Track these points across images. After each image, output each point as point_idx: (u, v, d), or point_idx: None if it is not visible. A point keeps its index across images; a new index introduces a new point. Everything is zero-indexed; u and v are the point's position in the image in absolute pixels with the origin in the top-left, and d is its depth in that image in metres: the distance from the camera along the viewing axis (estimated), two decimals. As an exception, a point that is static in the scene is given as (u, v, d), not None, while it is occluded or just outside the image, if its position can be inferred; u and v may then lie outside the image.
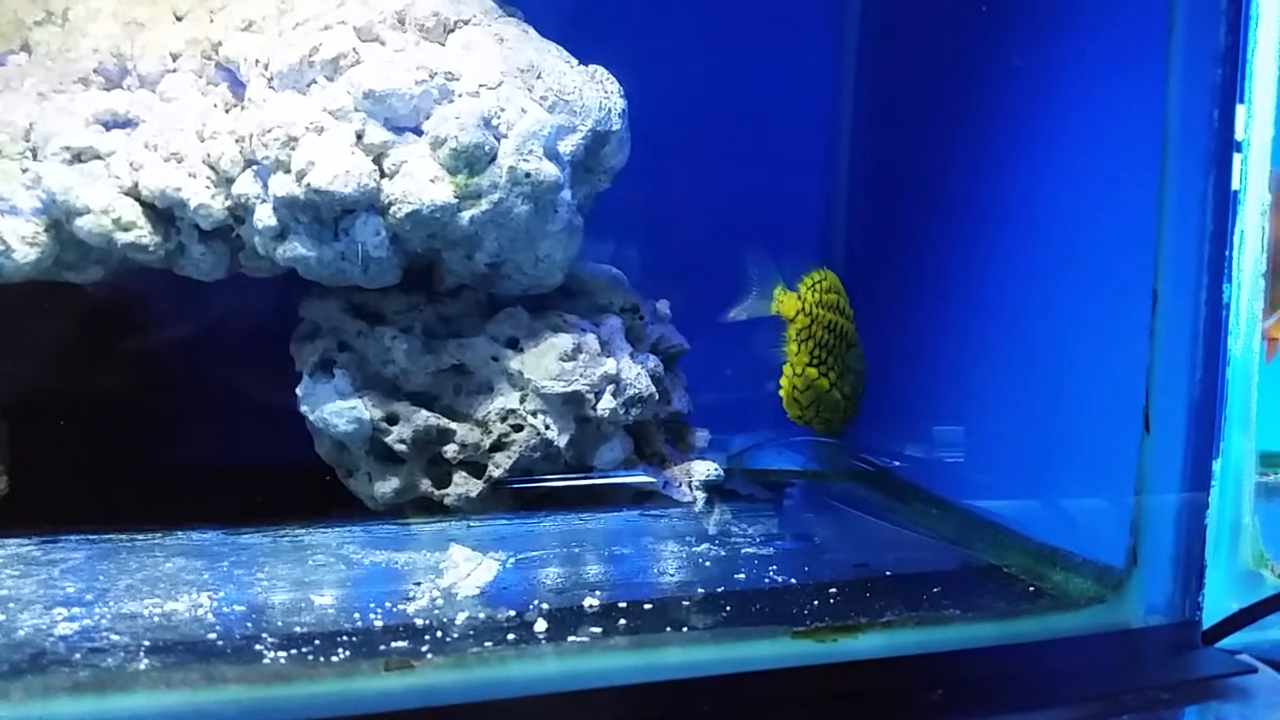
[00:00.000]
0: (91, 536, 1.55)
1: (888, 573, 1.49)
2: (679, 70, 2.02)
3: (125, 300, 1.69)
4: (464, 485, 1.64)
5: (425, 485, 1.64)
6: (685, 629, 1.24)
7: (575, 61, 1.65)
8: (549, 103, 1.57)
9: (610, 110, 1.64)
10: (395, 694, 1.09)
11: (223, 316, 1.72)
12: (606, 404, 1.65)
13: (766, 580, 1.42)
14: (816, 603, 1.33)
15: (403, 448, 1.61)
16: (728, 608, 1.31)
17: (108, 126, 1.52)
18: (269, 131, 1.45)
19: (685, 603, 1.34)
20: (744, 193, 2.12)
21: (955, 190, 1.86)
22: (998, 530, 1.65)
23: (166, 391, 1.81)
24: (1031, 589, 1.45)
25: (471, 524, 1.64)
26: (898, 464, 2.03)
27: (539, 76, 1.57)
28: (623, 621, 1.25)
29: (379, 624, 1.22)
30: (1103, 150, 1.52)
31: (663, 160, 1.85)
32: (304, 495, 1.73)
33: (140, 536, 1.56)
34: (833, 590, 1.38)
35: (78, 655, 1.10)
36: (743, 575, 1.44)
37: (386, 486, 1.63)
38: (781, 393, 1.60)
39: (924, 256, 1.95)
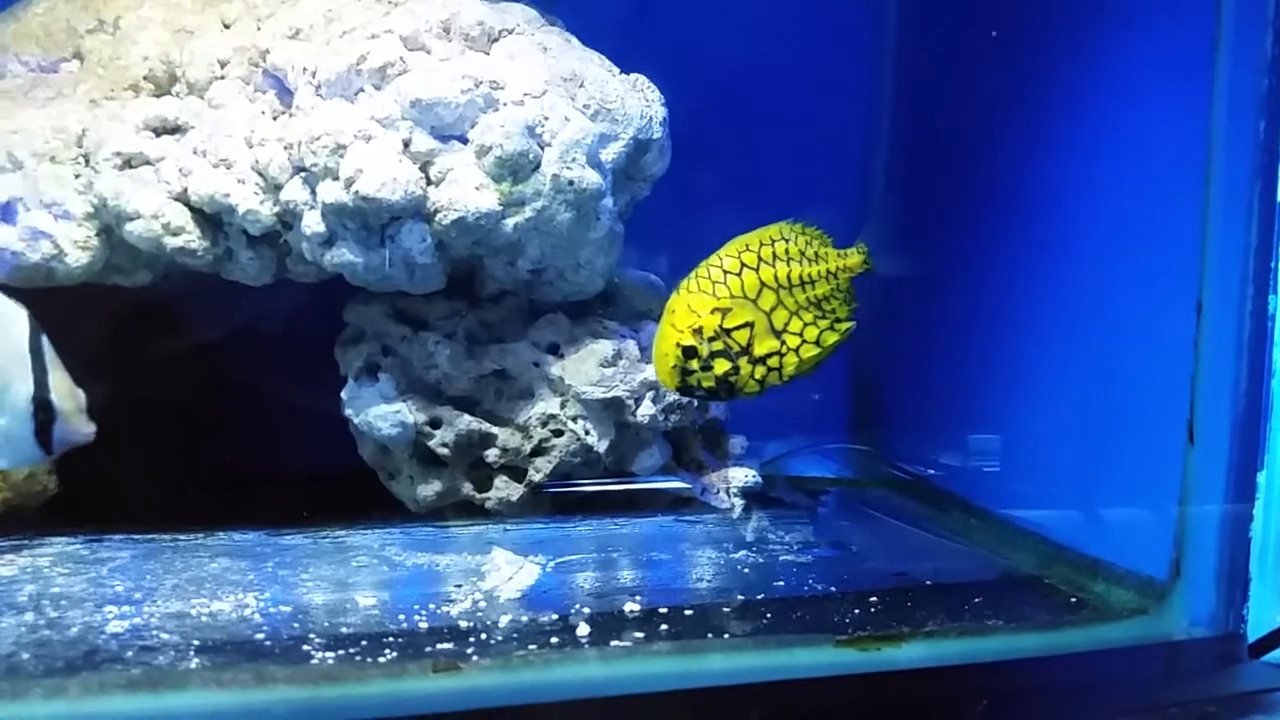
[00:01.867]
0: (136, 536, 1.57)
1: (928, 582, 1.48)
2: (711, 71, 2.01)
3: (171, 303, 1.71)
4: (505, 489, 1.65)
5: (467, 489, 1.66)
6: (727, 635, 1.24)
7: (617, 70, 1.67)
8: (591, 111, 1.58)
9: (651, 119, 1.65)
10: (443, 695, 1.10)
11: (267, 320, 1.74)
12: (646, 410, 1.66)
13: (806, 588, 1.42)
14: (857, 611, 1.33)
15: (445, 451, 1.63)
16: (768, 615, 1.31)
17: (157, 133, 1.54)
18: (317, 139, 1.47)
19: (725, 609, 1.34)
20: (778, 195, 2.13)
21: (996, 197, 1.85)
22: (1038, 540, 1.64)
23: (209, 394, 1.83)
24: (1073, 600, 1.44)
25: (509, 527, 1.66)
26: (932, 472, 2.02)
27: (582, 85, 1.58)
28: (664, 627, 1.25)
29: (424, 625, 1.23)
30: (1147, 159, 1.51)
31: (695, 163, 1.86)
32: (344, 497, 1.76)
33: (183, 537, 1.58)
34: (873, 599, 1.38)
35: (130, 653, 1.12)
36: (782, 583, 1.44)
37: (429, 489, 1.64)
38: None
39: (963, 263, 1.94)
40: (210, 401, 1.85)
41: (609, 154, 1.61)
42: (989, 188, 1.89)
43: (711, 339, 1.51)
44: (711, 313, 1.52)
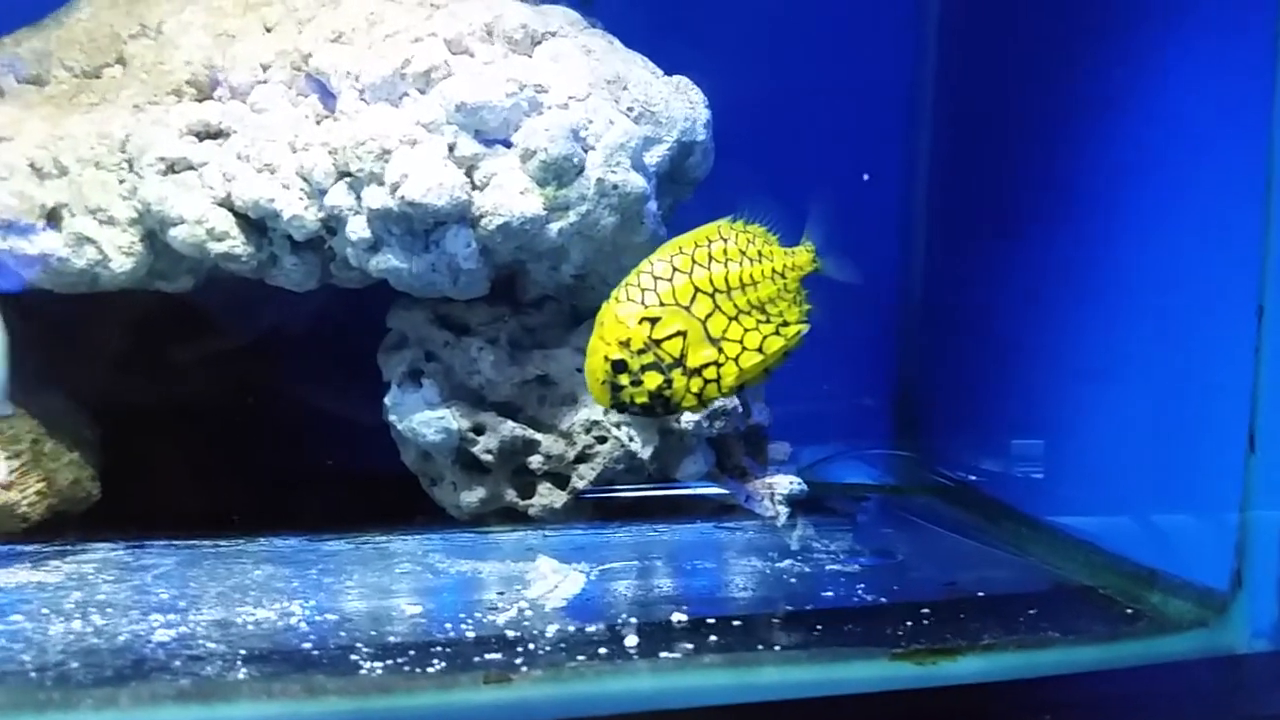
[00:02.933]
0: (177, 542, 1.57)
1: (980, 593, 1.45)
2: (751, 71, 2.00)
3: (212, 309, 1.71)
4: (548, 496, 1.64)
5: (510, 495, 1.65)
6: (777, 648, 1.22)
7: (660, 72, 1.65)
8: (635, 114, 1.57)
9: (695, 121, 1.63)
10: (493, 707, 1.09)
11: (307, 325, 1.73)
12: (689, 417, 1.63)
13: (855, 599, 1.40)
14: (909, 623, 1.30)
15: (489, 458, 1.62)
16: (818, 626, 1.29)
17: (200, 137, 1.54)
18: (362, 144, 1.46)
19: (774, 620, 1.32)
20: (813, 196, 2.10)
21: (1047, 198, 1.81)
22: (1090, 550, 1.61)
23: (250, 399, 1.83)
24: (1129, 611, 1.41)
25: (548, 533, 1.64)
26: (976, 479, 1.99)
27: (625, 88, 1.56)
28: (713, 638, 1.23)
29: (471, 635, 1.21)
30: (1207, 161, 1.47)
31: (733, 164, 1.84)
32: (385, 503, 1.75)
33: (224, 542, 1.58)
34: (925, 610, 1.35)
35: (177, 662, 1.11)
36: (830, 593, 1.41)
37: (472, 496, 1.63)
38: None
39: (1013, 264, 1.90)
40: (250, 406, 1.85)
41: (653, 157, 1.59)
42: (1036, 188, 1.86)
43: (641, 351, 1.43)
44: (639, 323, 1.44)
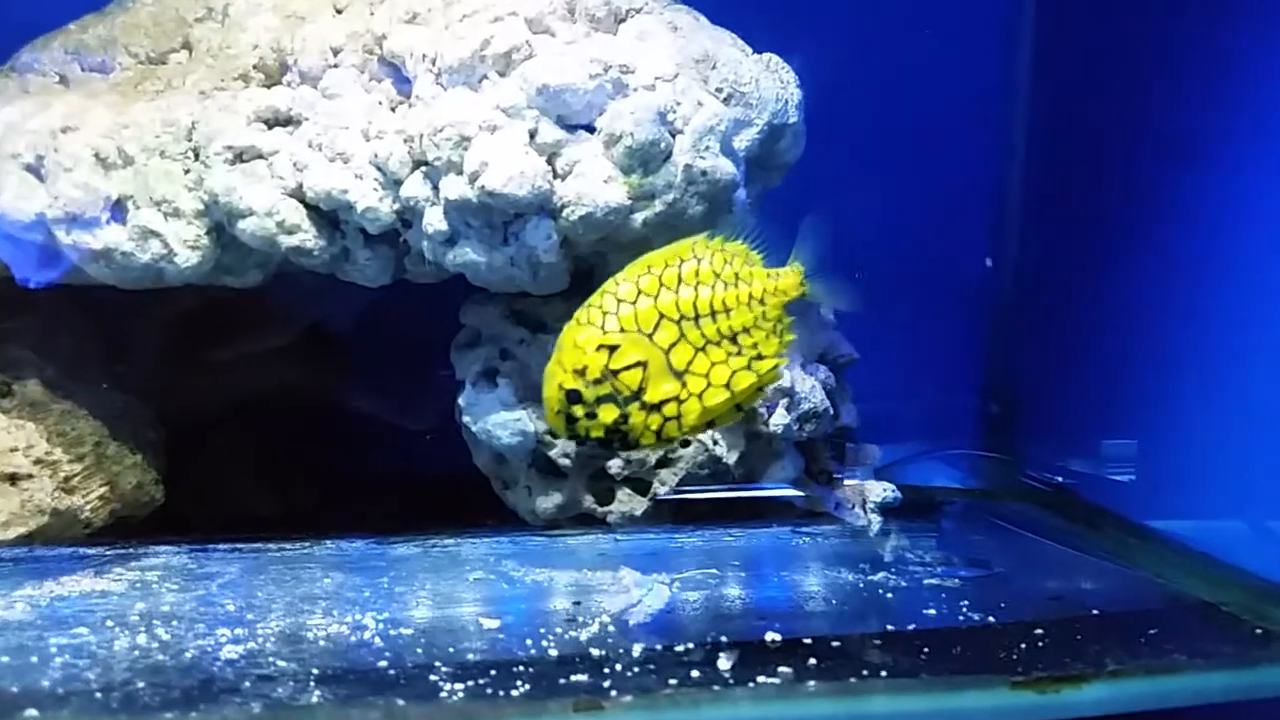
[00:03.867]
0: (241, 546, 1.53)
1: (1094, 610, 1.36)
2: (838, 55, 1.91)
3: (279, 305, 1.67)
4: (628, 503, 1.57)
5: (588, 501, 1.58)
6: (884, 674, 1.13)
7: (750, 50, 1.56)
8: (725, 94, 1.48)
9: (787, 102, 1.54)
10: (586, 736, 1.02)
11: (375, 322, 1.69)
12: (779, 419, 1.55)
13: (962, 617, 1.31)
14: (1023, 645, 1.21)
15: (566, 462, 1.55)
16: (925, 649, 1.20)
17: (270, 125, 1.48)
18: (440, 131, 1.39)
19: (876, 641, 1.23)
20: (909, 190, 2.02)
21: (1150, 191, 1.73)
22: (1207, 561, 1.51)
23: (316, 399, 1.80)
24: (1259, 631, 1.30)
25: (620, 538, 1.57)
26: (1074, 482, 1.89)
27: (714, 67, 1.48)
28: (812, 661, 1.14)
29: (553, 653, 1.14)
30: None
31: (816, 152, 1.76)
32: (452, 505, 1.69)
33: (289, 546, 1.53)
34: (1038, 631, 1.25)
35: (247, 683, 1.04)
36: (933, 610, 1.32)
37: (549, 502, 1.57)
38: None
39: (1114, 257, 1.81)
40: (315, 406, 1.82)
41: (743, 141, 1.51)
42: (1130, 180, 1.77)
43: (597, 381, 1.33)
44: (597, 350, 1.33)
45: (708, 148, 1.45)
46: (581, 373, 1.33)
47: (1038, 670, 1.14)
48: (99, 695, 1.00)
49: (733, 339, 1.36)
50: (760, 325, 1.38)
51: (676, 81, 1.44)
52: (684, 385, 1.35)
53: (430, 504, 1.75)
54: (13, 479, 1.49)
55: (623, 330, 1.33)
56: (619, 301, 1.34)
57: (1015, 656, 1.18)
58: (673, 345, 1.34)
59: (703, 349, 1.35)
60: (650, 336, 1.33)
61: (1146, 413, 1.73)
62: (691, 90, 1.45)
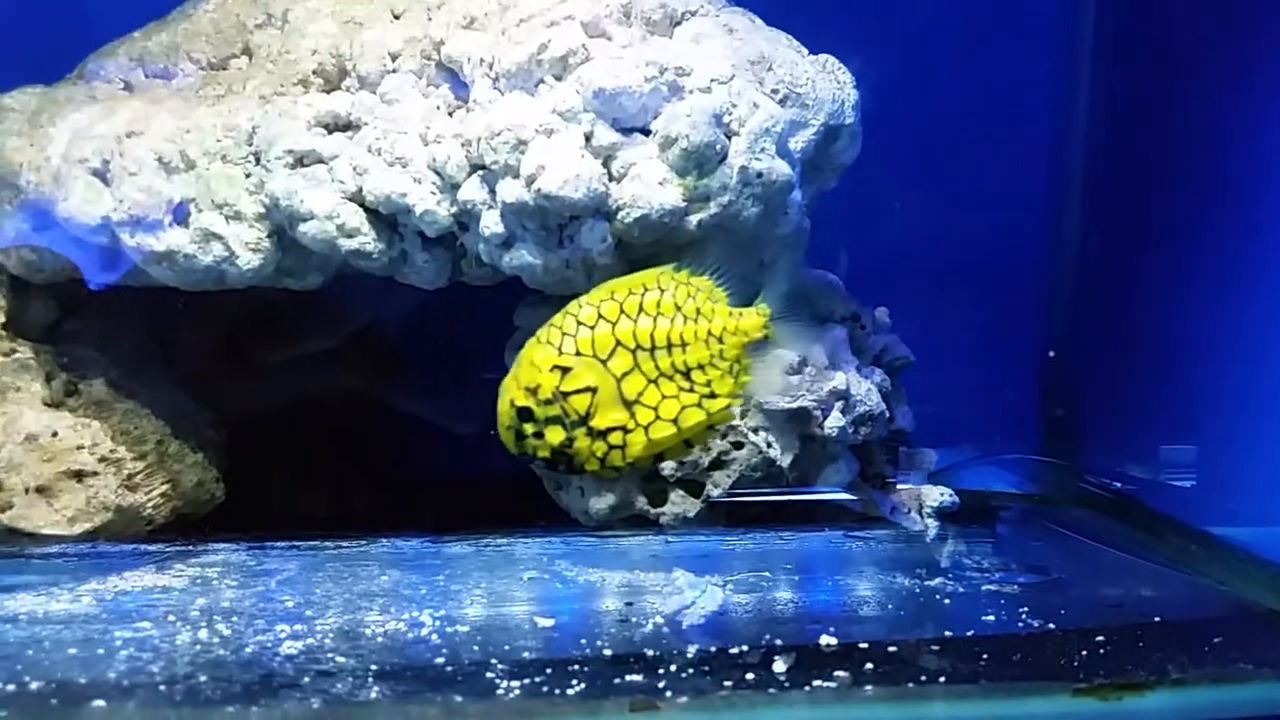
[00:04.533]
0: (298, 543, 1.54)
1: (1156, 618, 1.33)
2: (895, 57, 1.90)
3: (336, 308, 1.69)
4: (681, 504, 1.56)
5: (641, 503, 1.58)
6: (942, 679, 1.12)
7: (805, 51, 1.56)
8: (780, 96, 1.48)
9: (844, 103, 1.53)
10: (641, 738, 1.01)
11: (431, 324, 1.70)
12: (834, 422, 1.54)
13: (1021, 624, 1.28)
14: (1084, 652, 1.19)
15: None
16: (984, 655, 1.18)
17: (329, 129, 1.50)
18: (498, 135, 1.40)
19: (934, 647, 1.22)
20: (962, 193, 2.00)
21: (1214, 193, 1.69)
22: (1273, 569, 1.47)
23: (370, 400, 1.82)
24: (1329, 642, 1.27)
25: (670, 539, 1.56)
26: (1135, 488, 1.86)
27: (770, 68, 1.47)
28: (869, 665, 1.13)
29: (608, 652, 1.14)
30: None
31: (870, 154, 1.74)
32: (503, 505, 1.70)
33: (345, 544, 1.54)
34: (1100, 638, 1.23)
35: (306, 679, 1.05)
36: (991, 616, 1.31)
37: (601, 503, 1.56)
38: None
39: (1173, 260, 1.78)
40: (370, 407, 1.84)
41: (798, 142, 1.50)
42: (1208, 183, 1.74)
43: (548, 401, 1.33)
44: (551, 370, 1.33)
45: (763, 149, 1.44)
46: (534, 391, 1.34)
47: (1100, 677, 1.12)
48: (162, 688, 1.01)
49: (686, 375, 1.35)
50: (716, 364, 1.37)
51: (732, 83, 1.44)
52: (632, 416, 1.35)
53: (482, 504, 1.76)
54: (79, 476, 1.52)
55: (578, 354, 1.33)
56: (579, 324, 1.34)
57: (1076, 663, 1.15)
58: (626, 374, 1.34)
59: (655, 381, 1.35)
60: (605, 363, 1.33)
61: (1209, 417, 1.70)
62: (747, 92, 1.45)
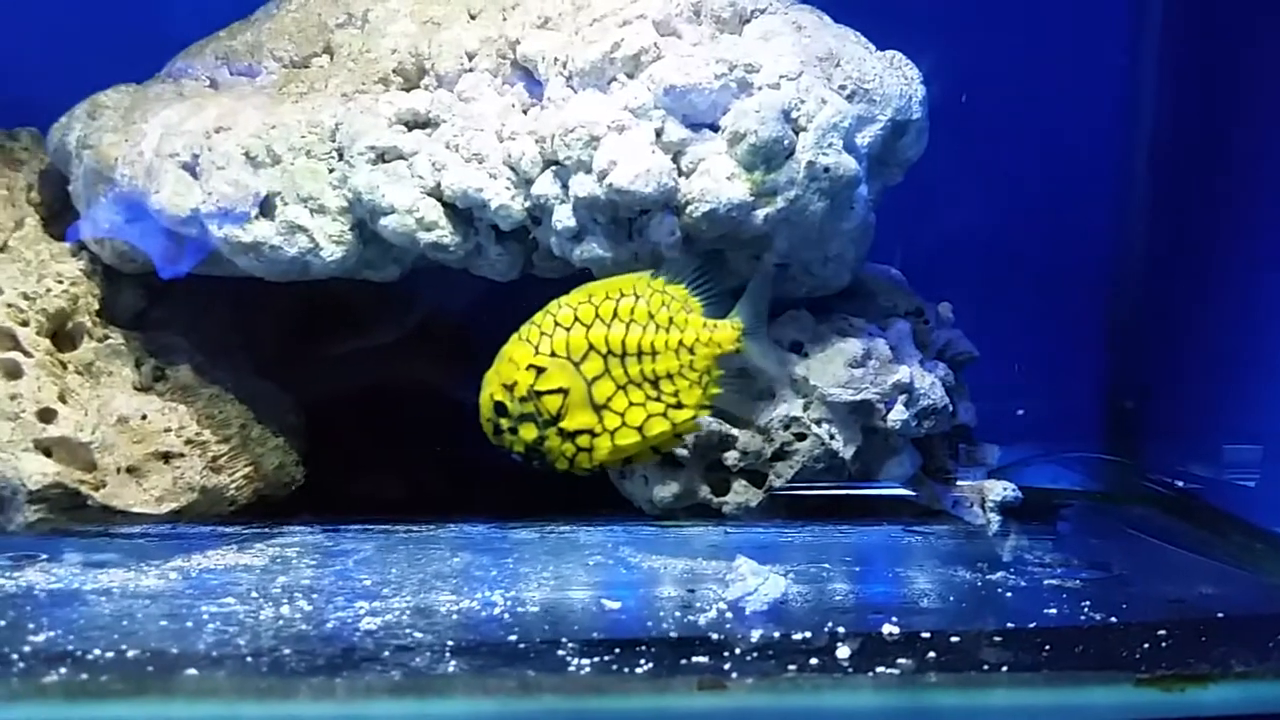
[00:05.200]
0: (371, 527, 1.59)
1: (1219, 614, 1.33)
2: (961, 53, 1.90)
3: (411, 298, 1.73)
4: (744, 494, 1.59)
5: (704, 492, 1.60)
6: (1005, 669, 1.13)
7: (873, 47, 1.57)
8: (848, 91, 1.50)
9: (911, 98, 1.55)
10: (707, 714, 1.04)
11: (499, 314, 1.73)
12: (898, 415, 1.56)
13: (1083, 617, 1.29)
14: (1146, 645, 1.19)
15: (684, 452, 1.57)
16: (1046, 646, 1.19)
17: (409, 126, 1.54)
18: (571, 131, 1.44)
19: (997, 638, 1.23)
20: (1029, 188, 1.99)
21: (1272, 186, 1.67)
22: (1342, 571, 1.46)
23: (439, 388, 1.85)
24: (1395, 640, 1.26)
25: (730, 530, 1.59)
26: (1198, 487, 1.85)
27: (838, 65, 1.49)
28: (931, 654, 1.15)
29: (674, 634, 1.16)
30: None
31: (934, 148, 1.75)
32: (567, 494, 1.73)
33: (415, 528, 1.59)
34: (1161, 632, 1.23)
35: (386, 653, 1.09)
36: (1054, 610, 1.31)
37: (666, 491, 1.59)
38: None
39: (1238, 257, 1.76)
40: (440, 394, 1.87)
41: (865, 137, 1.52)
42: (1262, 173, 1.74)
43: (523, 399, 1.35)
44: (527, 368, 1.36)
45: (830, 144, 1.46)
46: (510, 388, 1.37)
47: (1162, 669, 1.13)
48: (249, 660, 1.06)
49: (655, 383, 1.38)
50: (685, 374, 1.39)
51: (800, 80, 1.46)
52: (600, 420, 1.37)
53: (546, 491, 1.79)
54: (166, 457, 1.58)
55: (553, 354, 1.37)
56: (556, 325, 1.37)
57: (1138, 656, 1.16)
58: (596, 378, 1.37)
59: (624, 388, 1.37)
60: (577, 366, 1.37)
61: (1274, 416, 1.68)
62: (815, 88, 1.47)
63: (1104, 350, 2.15)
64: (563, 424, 1.38)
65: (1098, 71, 2.07)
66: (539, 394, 1.37)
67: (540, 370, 1.37)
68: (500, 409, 1.39)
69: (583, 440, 1.39)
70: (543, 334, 1.37)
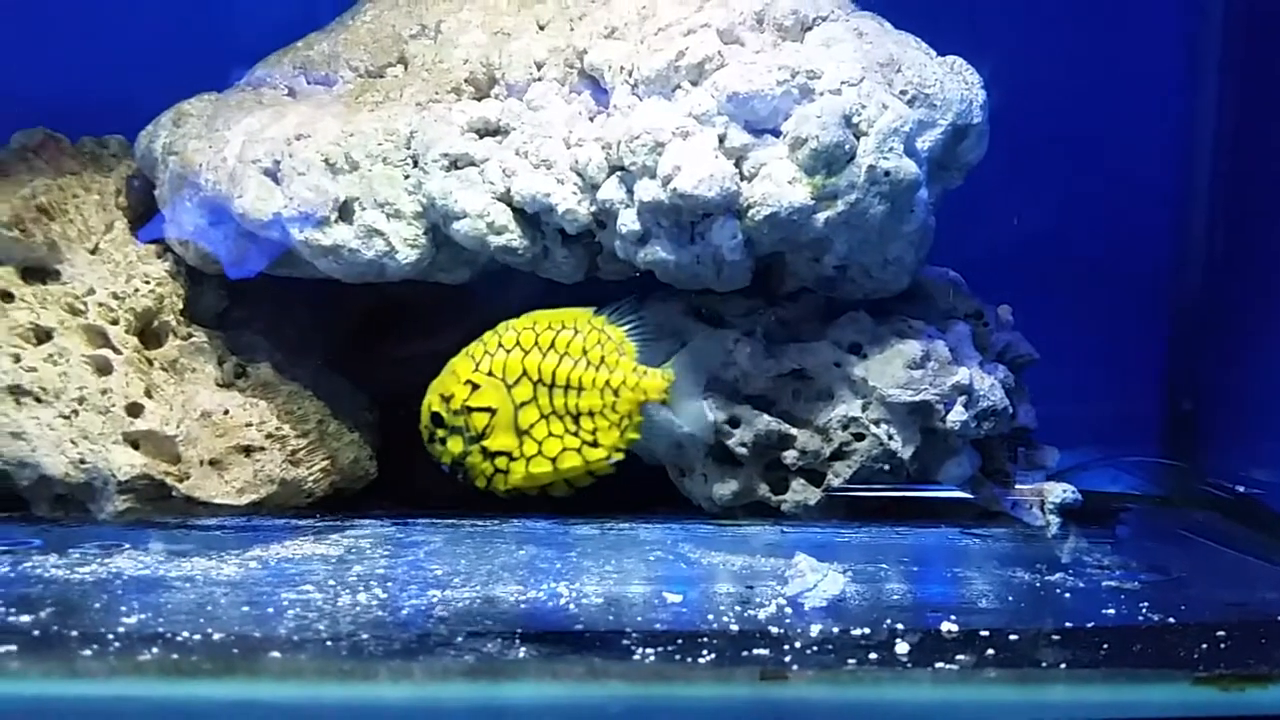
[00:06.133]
0: (437, 520, 1.62)
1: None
2: (1021, 56, 1.90)
3: (477, 299, 1.77)
4: (802, 493, 1.61)
5: (763, 490, 1.63)
6: (1063, 666, 1.15)
7: (934, 53, 1.59)
8: (909, 96, 1.52)
9: (971, 103, 1.56)
10: (770, 704, 1.07)
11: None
12: (957, 416, 1.57)
13: (1141, 618, 1.30)
14: (1205, 646, 1.20)
15: (743, 451, 1.60)
16: (1104, 645, 1.20)
17: (481, 134, 1.59)
18: (637, 138, 1.47)
19: (1055, 636, 1.24)
20: (1088, 189, 1.99)
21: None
22: None
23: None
24: None
25: (786, 530, 1.61)
26: (1261, 492, 1.83)
27: (899, 70, 1.51)
28: (990, 651, 1.17)
29: (734, 628, 1.20)
30: None
31: (993, 150, 1.75)
32: (626, 491, 1.76)
33: (480, 522, 1.62)
34: (1220, 633, 1.24)
35: (459, 638, 1.14)
36: (1112, 610, 1.32)
37: (725, 489, 1.62)
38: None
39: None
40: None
41: (926, 141, 1.54)
42: None
43: (456, 413, 1.40)
44: (464, 383, 1.40)
45: (891, 149, 1.48)
46: (447, 400, 1.44)
47: (1220, 669, 1.13)
48: (329, 644, 1.10)
49: (575, 418, 1.42)
50: (607, 414, 1.43)
51: (862, 85, 1.48)
52: (520, 445, 1.42)
53: (605, 489, 1.83)
54: (247, 451, 1.64)
55: (490, 374, 1.42)
56: (499, 346, 1.43)
57: (1197, 656, 1.17)
58: (524, 404, 1.42)
59: (547, 417, 1.42)
60: (510, 388, 1.42)
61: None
62: (876, 93, 1.49)
63: (1164, 354, 2.13)
64: (485, 443, 1.45)
65: (1159, 72, 2.05)
66: (470, 410, 1.44)
67: (475, 387, 1.44)
68: (436, 419, 1.46)
69: (500, 462, 1.45)
70: (486, 353, 1.44)
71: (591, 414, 1.43)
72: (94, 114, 1.85)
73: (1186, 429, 2.08)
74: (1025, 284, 1.80)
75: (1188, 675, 1.12)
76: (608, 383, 1.43)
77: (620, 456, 1.47)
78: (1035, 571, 1.45)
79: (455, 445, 1.45)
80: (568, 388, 1.43)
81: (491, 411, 1.43)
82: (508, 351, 1.43)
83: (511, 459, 1.44)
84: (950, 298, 1.70)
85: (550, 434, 1.44)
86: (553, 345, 1.43)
